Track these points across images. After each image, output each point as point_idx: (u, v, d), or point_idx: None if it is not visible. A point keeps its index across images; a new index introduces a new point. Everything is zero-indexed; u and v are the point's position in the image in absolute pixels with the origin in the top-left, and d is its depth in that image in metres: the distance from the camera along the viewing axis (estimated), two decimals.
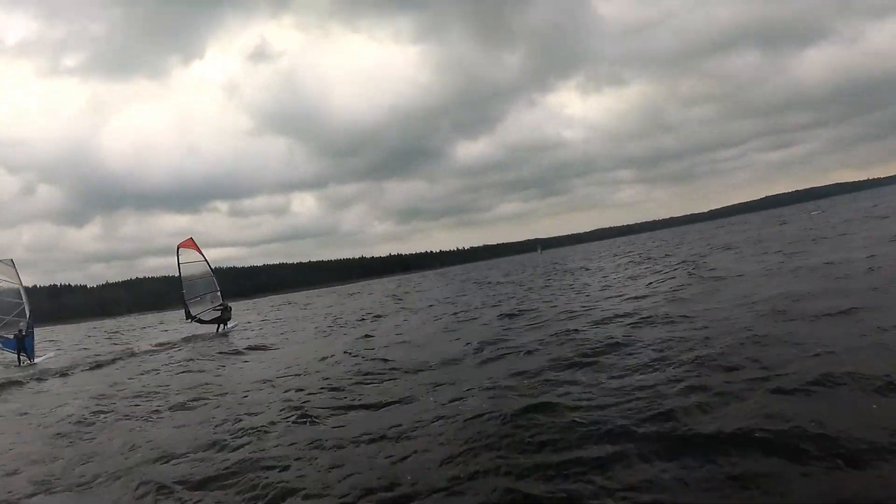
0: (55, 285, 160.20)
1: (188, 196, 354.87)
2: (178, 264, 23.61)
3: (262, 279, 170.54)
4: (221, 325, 23.50)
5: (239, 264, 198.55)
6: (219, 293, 24.76)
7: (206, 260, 24.68)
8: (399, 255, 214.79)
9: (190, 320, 23.66)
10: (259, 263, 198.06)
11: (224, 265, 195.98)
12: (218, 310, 24.07)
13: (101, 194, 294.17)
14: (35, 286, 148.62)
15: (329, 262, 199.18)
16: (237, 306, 28.39)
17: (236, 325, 24.82)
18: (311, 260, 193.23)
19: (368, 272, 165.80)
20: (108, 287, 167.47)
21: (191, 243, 24.22)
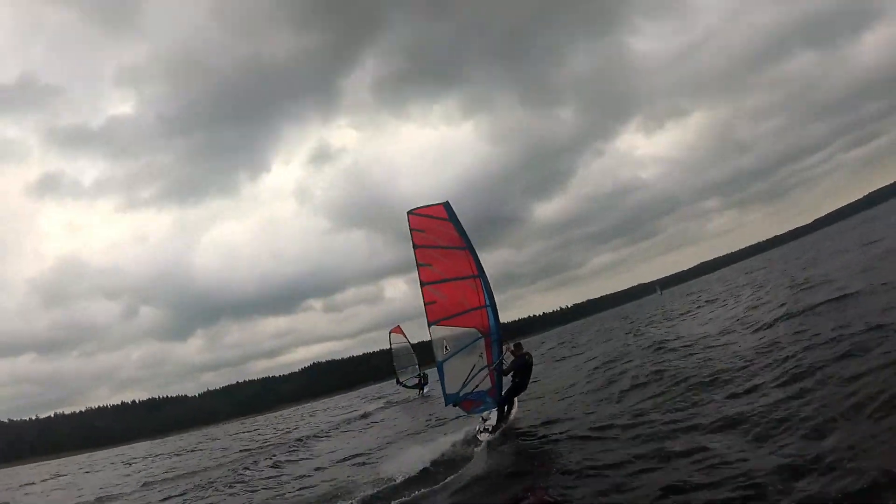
0: (154, 398, 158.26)
1: (281, 299, 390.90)
2: (390, 344, 32.86)
3: (365, 369, 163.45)
4: (421, 390, 31.90)
5: (341, 356, 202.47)
6: (417, 365, 33.41)
7: (408, 341, 33.64)
8: (503, 325, 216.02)
9: (398, 384, 32.62)
10: (358, 353, 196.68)
11: (324, 359, 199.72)
12: (417, 377, 32.69)
13: (198, 308, 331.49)
14: (134, 402, 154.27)
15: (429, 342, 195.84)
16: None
17: (432, 390, 33.04)
18: (412, 342, 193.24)
19: None
20: (208, 395, 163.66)
21: (398, 330, 33.40)
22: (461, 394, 10.29)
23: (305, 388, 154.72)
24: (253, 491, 11.49)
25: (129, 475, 23.21)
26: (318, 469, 12.75)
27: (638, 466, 6.41)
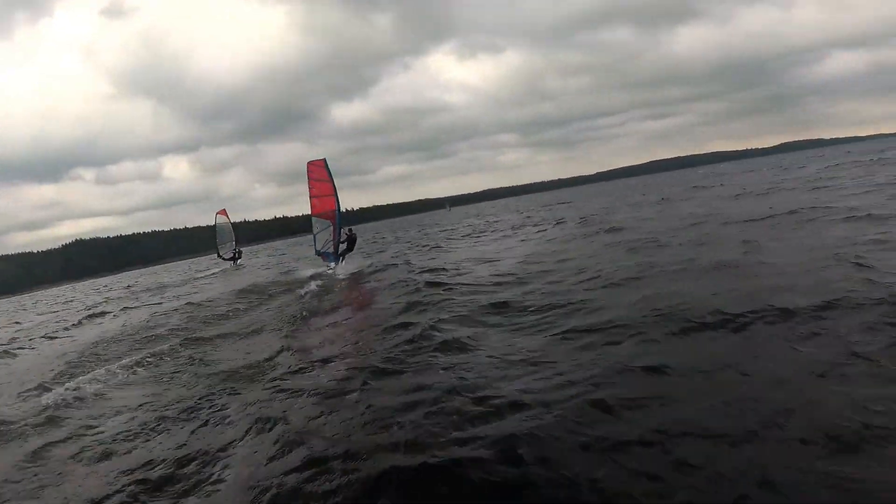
0: None
1: (49, 163, 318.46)
2: (216, 224, 40.54)
3: (135, 250, 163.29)
4: (234, 262, 40.79)
5: (110, 234, 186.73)
6: (234, 243, 41.74)
7: (230, 222, 41.57)
8: (284, 218, 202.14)
9: (217, 256, 40.92)
10: (130, 232, 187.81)
11: (91, 236, 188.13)
12: (233, 252, 41.33)
13: None
14: None
15: (207, 227, 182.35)
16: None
17: (243, 265, 41.94)
18: (189, 226, 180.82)
19: (256, 237, 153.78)
20: None
21: (223, 212, 40.95)
22: (321, 251, 21.60)
23: (67, 268, 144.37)
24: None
25: None
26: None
27: None
